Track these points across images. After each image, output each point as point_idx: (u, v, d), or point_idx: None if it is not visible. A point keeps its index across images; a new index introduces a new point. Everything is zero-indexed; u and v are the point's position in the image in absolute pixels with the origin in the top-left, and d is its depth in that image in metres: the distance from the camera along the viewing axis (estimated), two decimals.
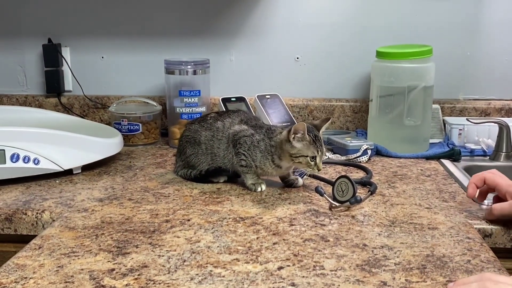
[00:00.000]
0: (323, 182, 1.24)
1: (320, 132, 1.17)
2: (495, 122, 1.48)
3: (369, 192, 1.15)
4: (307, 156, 1.13)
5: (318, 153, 1.13)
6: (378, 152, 1.49)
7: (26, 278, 0.81)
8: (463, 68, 1.69)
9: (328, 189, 1.16)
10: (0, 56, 1.80)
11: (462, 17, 1.66)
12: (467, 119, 1.50)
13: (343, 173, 1.32)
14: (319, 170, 1.14)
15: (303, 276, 0.81)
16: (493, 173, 1.05)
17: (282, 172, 1.21)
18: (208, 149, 1.26)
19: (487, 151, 1.51)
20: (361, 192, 1.17)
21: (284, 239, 0.94)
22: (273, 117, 1.60)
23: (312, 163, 1.13)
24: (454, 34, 1.67)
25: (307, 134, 1.12)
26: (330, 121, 1.20)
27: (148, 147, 1.61)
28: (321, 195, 1.09)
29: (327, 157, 1.42)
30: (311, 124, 1.18)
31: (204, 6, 1.72)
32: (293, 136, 1.12)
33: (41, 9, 1.75)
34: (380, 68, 1.52)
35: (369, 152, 1.44)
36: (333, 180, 1.15)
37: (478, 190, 1.07)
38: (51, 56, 1.75)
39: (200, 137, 1.27)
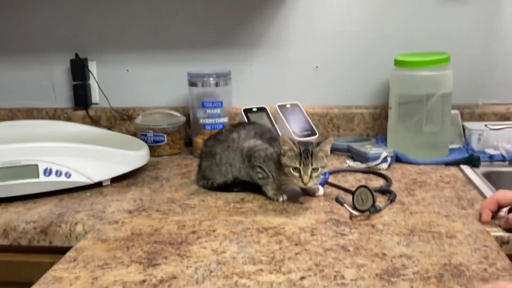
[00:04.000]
0: (343, 191, 1.27)
1: (319, 147, 1.17)
2: None
3: (389, 201, 1.18)
4: (290, 166, 1.16)
5: (300, 165, 1.15)
6: (398, 159, 1.52)
7: None
8: (482, 73, 1.71)
9: (349, 198, 1.20)
10: (29, 71, 1.88)
11: (479, 22, 1.68)
12: (485, 125, 1.52)
13: (363, 182, 1.36)
14: (304, 183, 1.15)
15: (325, 286, 0.85)
16: (502, 193, 1.08)
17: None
18: (223, 159, 1.31)
19: (506, 156, 1.53)
20: (380, 200, 1.20)
21: (305, 249, 0.98)
22: (294, 126, 1.64)
23: (296, 174, 1.15)
24: (472, 39, 1.69)
25: (295, 145, 1.16)
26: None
27: (173, 158, 1.66)
28: (342, 204, 1.13)
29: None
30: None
31: (225, 18, 1.76)
32: (281, 147, 1.17)
33: (68, 26, 1.83)
34: (399, 77, 1.55)
35: (389, 159, 1.47)
36: (353, 189, 1.18)
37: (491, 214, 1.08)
38: (79, 71, 1.81)
39: (216, 149, 1.32)
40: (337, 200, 1.14)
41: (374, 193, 1.12)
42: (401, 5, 1.69)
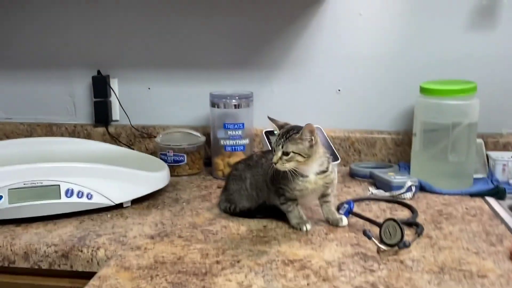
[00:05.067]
0: (368, 222, 1.24)
1: (299, 133, 1.15)
2: None
3: (416, 235, 1.16)
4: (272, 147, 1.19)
5: (274, 145, 1.17)
6: (421, 188, 1.49)
7: None
8: (507, 102, 1.68)
9: (374, 229, 1.17)
10: (51, 86, 1.87)
11: (506, 50, 1.65)
12: (511, 156, 1.49)
13: (388, 212, 1.34)
14: (273, 162, 1.15)
15: None
16: None
17: (317, 185, 1.20)
18: (253, 185, 1.30)
19: None
20: (407, 233, 1.18)
21: (334, 286, 0.95)
22: None
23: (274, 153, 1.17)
24: (498, 67, 1.66)
25: (280, 128, 1.20)
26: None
27: (193, 178, 1.65)
28: (369, 238, 1.11)
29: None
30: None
31: (248, 39, 1.75)
32: None
33: (91, 43, 1.82)
34: (424, 104, 1.53)
35: (414, 189, 1.44)
36: (378, 219, 1.16)
37: None
38: (100, 87, 1.81)
39: (247, 174, 1.31)
40: (365, 233, 1.11)
41: (402, 227, 1.10)
42: (428, 31, 1.67)
